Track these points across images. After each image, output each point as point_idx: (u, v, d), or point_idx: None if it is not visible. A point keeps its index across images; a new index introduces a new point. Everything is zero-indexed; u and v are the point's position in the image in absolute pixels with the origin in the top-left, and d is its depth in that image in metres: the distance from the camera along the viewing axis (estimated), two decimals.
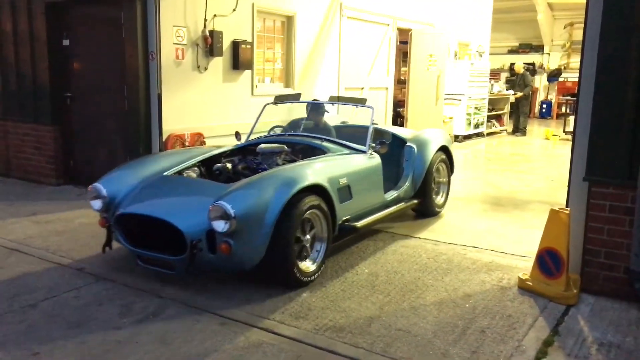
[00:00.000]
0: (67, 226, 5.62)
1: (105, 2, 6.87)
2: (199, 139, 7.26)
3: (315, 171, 4.32)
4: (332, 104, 6.33)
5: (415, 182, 5.69)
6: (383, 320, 3.60)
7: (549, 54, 21.01)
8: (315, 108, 5.84)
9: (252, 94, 8.10)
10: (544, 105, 20.76)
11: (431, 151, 5.86)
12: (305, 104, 6.14)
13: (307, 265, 4.17)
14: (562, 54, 20.85)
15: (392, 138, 5.85)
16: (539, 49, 21.18)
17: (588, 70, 3.98)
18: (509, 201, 6.97)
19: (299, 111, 7.11)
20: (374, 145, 5.15)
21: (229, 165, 4.83)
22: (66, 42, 7.39)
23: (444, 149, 6.15)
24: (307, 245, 4.19)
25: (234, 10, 7.58)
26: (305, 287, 4.08)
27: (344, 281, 4.25)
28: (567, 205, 4.24)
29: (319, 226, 4.28)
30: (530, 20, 20.10)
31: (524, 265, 4.56)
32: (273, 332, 3.42)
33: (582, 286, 4.02)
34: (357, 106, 5.72)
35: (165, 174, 4.54)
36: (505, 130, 15.05)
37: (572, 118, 13.90)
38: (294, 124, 5.79)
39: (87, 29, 7.22)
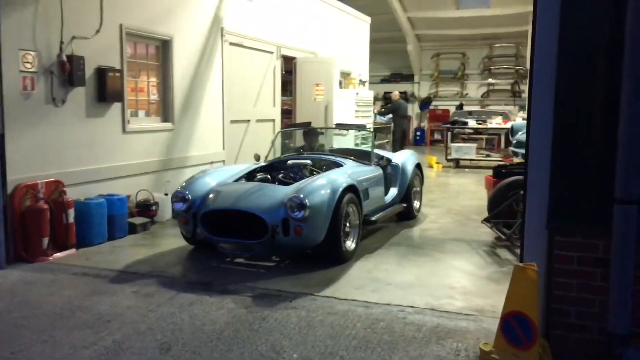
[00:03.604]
0: None
1: None
2: (57, 187, 5.84)
3: (350, 176, 5.66)
4: (339, 129, 8.27)
5: (401, 191, 7.14)
6: None
7: (418, 83, 21.77)
8: (315, 133, 7.51)
9: (124, 130, 6.83)
10: (418, 133, 21.37)
11: (410, 167, 7.35)
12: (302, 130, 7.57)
13: (350, 244, 5.53)
14: (431, 83, 21.71)
15: (383, 158, 7.03)
16: (409, 78, 21.86)
17: (541, 101, 3.47)
18: (424, 241, 6.42)
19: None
20: (376, 160, 6.67)
21: (269, 176, 6.09)
22: None
23: (418, 166, 7.68)
24: (348, 230, 5.49)
25: (97, 31, 6.34)
26: None
27: None
28: (521, 260, 3.66)
29: (353, 217, 5.58)
30: (401, 51, 20.71)
31: (475, 328, 3.91)
32: None
33: (552, 353, 3.43)
34: (359, 131, 8.48)
35: (229, 182, 5.73)
36: None
37: (453, 145, 14.22)
38: (305, 147, 7.26)
39: None
